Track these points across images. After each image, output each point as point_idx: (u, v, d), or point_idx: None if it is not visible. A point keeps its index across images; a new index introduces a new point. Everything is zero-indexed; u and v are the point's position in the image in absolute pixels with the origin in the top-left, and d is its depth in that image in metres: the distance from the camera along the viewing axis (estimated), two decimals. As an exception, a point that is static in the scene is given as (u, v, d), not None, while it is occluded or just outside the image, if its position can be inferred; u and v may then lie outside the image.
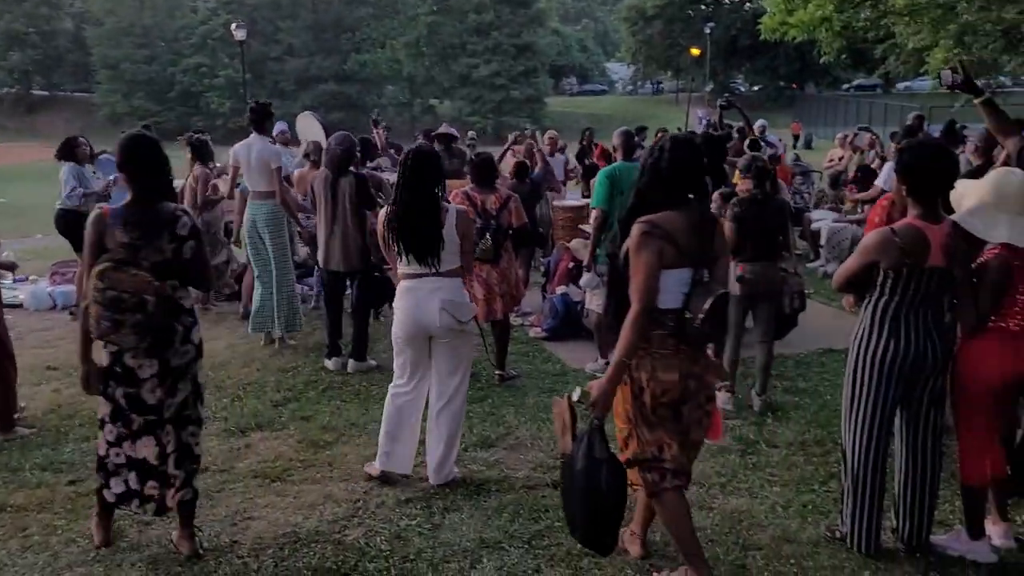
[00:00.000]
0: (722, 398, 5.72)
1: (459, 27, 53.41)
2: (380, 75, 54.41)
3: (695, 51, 43.35)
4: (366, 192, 6.30)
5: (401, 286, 4.37)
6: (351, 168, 6.35)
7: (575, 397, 3.18)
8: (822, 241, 10.38)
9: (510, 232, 6.13)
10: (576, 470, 3.13)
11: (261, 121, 6.87)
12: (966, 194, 3.50)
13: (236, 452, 4.98)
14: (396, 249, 4.30)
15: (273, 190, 6.85)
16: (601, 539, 3.26)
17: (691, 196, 3.21)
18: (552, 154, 11.13)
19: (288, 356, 6.96)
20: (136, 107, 50.47)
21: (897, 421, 3.59)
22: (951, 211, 3.48)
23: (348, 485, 4.47)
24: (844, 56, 12.02)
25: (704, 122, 14.33)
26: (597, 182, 6.24)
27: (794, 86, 51.19)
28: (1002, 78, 25.37)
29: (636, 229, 3.11)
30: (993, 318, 3.41)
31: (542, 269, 8.78)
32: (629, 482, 3.24)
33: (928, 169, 3.36)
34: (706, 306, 3.07)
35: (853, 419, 3.57)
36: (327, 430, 5.29)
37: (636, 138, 13.44)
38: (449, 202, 4.51)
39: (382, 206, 7.12)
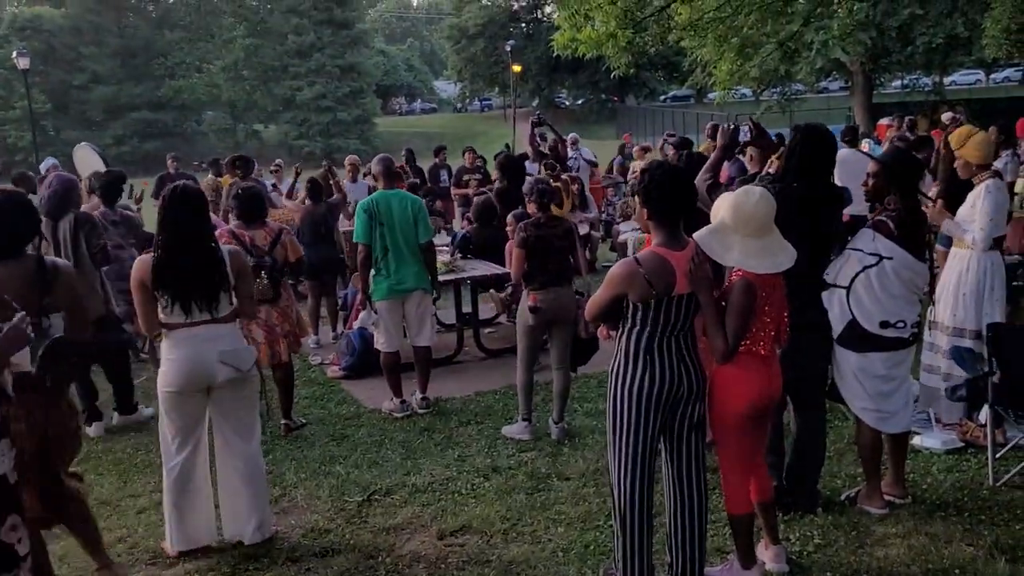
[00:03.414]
0: (517, 428, 5.51)
1: (279, 49, 51.97)
2: (198, 101, 52.13)
3: (516, 68, 44.00)
4: (92, 233, 5.66)
5: (174, 336, 3.94)
6: (72, 208, 5.72)
7: None
8: (629, 252, 10.48)
9: (287, 268, 5.79)
10: None
11: None
12: (718, 210, 3.39)
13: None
14: (163, 299, 3.89)
15: None
16: None
17: (26, 248, 3.40)
18: (354, 180, 10.73)
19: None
20: (-71, 149, 45.84)
21: (662, 453, 3.44)
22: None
23: (76, 584, 3.88)
24: (633, 71, 12.40)
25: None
26: (356, 216, 5.95)
27: (615, 99, 52.90)
28: (797, 86, 27.02)
29: None
30: (745, 342, 3.30)
31: (340, 302, 8.33)
32: None
33: (665, 192, 3.22)
34: (40, 352, 3.16)
35: (617, 455, 3.37)
36: (72, 512, 4.64)
37: (438, 158, 13.25)
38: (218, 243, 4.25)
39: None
